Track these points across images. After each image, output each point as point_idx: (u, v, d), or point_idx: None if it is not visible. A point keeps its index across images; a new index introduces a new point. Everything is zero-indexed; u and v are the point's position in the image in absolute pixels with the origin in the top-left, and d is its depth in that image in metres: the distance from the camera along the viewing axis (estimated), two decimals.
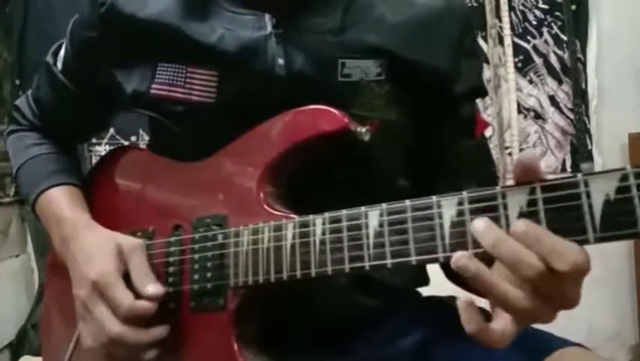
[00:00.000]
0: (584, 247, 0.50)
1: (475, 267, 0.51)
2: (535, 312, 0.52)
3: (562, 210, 0.50)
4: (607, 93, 2.26)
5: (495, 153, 2.19)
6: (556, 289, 0.50)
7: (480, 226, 0.52)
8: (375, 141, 0.70)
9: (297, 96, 0.71)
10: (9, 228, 2.20)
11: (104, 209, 0.84)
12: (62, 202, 0.84)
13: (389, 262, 0.58)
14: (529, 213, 0.51)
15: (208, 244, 0.71)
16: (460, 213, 0.54)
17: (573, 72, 2.24)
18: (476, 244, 0.53)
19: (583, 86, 2.25)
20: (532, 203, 0.51)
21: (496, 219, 0.52)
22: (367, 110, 0.74)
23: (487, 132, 2.01)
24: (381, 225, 0.59)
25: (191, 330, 0.71)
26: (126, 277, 0.71)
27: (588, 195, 0.49)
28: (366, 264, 0.59)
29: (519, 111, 2.27)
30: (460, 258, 0.51)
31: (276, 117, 0.71)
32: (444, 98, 0.79)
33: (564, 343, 0.70)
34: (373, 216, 0.59)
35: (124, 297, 0.69)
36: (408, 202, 0.58)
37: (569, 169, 2.25)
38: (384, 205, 0.59)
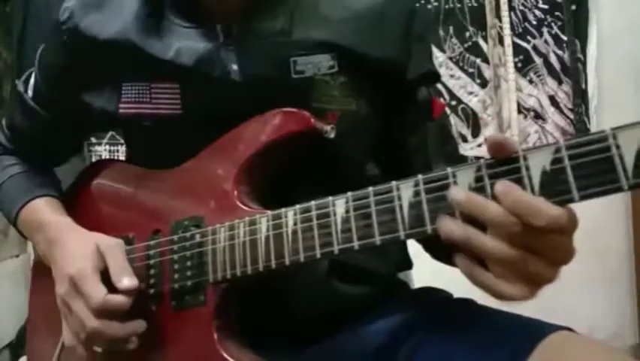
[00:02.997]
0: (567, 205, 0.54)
1: (461, 230, 0.55)
2: (529, 265, 0.55)
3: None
4: (607, 93, 2.27)
5: None
6: (543, 242, 0.54)
7: (459, 196, 0.56)
8: (339, 132, 0.74)
9: (255, 98, 0.75)
10: (9, 228, 2.20)
11: (86, 219, 0.86)
12: (45, 210, 0.87)
13: (356, 244, 0.62)
14: (476, 188, 0.56)
15: (187, 244, 0.73)
16: (417, 194, 0.59)
17: (573, 72, 2.24)
18: (435, 219, 0.58)
19: (583, 86, 2.25)
20: (479, 179, 0.56)
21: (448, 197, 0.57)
22: (325, 102, 0.77)
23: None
24: (347, 211, 0.63)
25: (174, 329, 0.73)
26: (106, 275, 0.73)
27: (527, 168, 0.54)
28: (335, 248, 0.63)
29: (519, 111, 2.28)
30: (445, 223, 0.56)
31: (246, 122, 0.75)
32: (398, 85, 0.82)
33: (554, 328, 0.70)
34: (340, 204, 0.63)
35: (96, 291, 0.71)
36: (371, 188, 0.62)
37: None
38: (349, 193, 0.63)
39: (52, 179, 0.96)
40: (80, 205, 0.90)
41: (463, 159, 0.92)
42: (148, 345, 0.73)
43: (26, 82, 0.92)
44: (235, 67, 0.77)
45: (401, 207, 0.60)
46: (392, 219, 0.60)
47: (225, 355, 0.69)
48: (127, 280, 0.71)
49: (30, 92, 0.91)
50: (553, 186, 0.53)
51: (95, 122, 0.86)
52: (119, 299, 0.70)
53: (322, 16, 0.79)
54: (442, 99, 2.08)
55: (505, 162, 0.55)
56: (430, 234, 0.58)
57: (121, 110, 0.81)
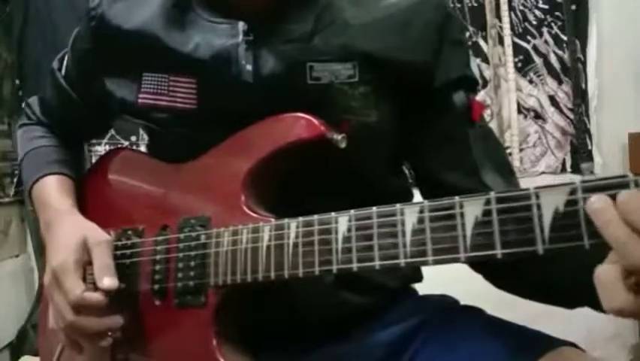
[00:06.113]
0: None
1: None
2: None
3: (514, 220, 0.52)
4: (607, 93, 2.26)
5: None
6: None
7: (596, 204, 0.47)
8: (354, 142, 0.71)
9: (267, 101, 0.74)
10: (9, 228, 2.20)
11: (99, 206, 0.88)
12: (51, 190, 0.89)
13: (355, 265, 0.60)
14: (484, 222, 0.53)
15: (192, 244, 0.74)
16: (421, 221, 0.56)
17: (573, 72, 2.24)
18: (437, 251, 0.55)
19: (583, 86, 2.24)
20: (487, 213, 0.53)
21: (453, 227, 0.54)
22: (342, 112, 0.75)
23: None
24: (349, 230, 0.61)
25: (175, 326, 0.74)
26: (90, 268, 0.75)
27: (539, 207, 0.50)
28: (334, 267, 0.61)
29: (519, 111, 2.27)
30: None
31: (257, 124, 0.74)
32: (431, 89, 0.78)
33: (557, 343, 0.70)
34: (343, 222, 0.61)
35: (73, 287, 0.72)
36: (374, 209, 0.60)
37: (569, 169, 2.25)
38: (352, 211, 0.61)
39: (75, 156, 0.98)
40: (94, 191, 0.92)
41: (511, 170, 0.83)
42: (149, 339, 0.74)
43: (61, 60, 0.95)
44: (249, 67, 0.75)
45: (404, 232, 0.57)
46: (393, 244, 0.58)
47: (221, 358, 0.69)
48: (107, 280, 0.73)
49: (63, 71, 0.94)
50: (564, 230, 0.49)
51: (116, 110, 0.87)
52: (95, 297, 0.72)
53: (347, 21, 0.76)
54: None
55: (516, 198, 0.52)
56: (431, 265, 0.55)
57: (140, 100, 0.81)
